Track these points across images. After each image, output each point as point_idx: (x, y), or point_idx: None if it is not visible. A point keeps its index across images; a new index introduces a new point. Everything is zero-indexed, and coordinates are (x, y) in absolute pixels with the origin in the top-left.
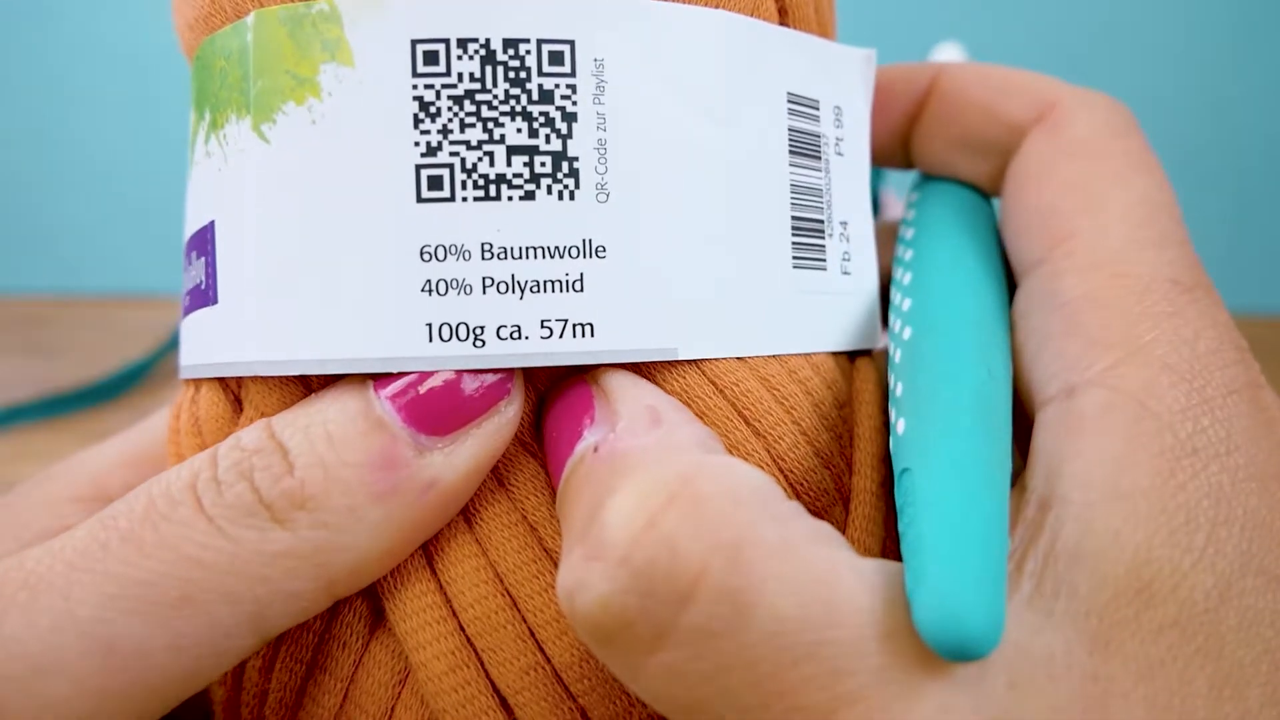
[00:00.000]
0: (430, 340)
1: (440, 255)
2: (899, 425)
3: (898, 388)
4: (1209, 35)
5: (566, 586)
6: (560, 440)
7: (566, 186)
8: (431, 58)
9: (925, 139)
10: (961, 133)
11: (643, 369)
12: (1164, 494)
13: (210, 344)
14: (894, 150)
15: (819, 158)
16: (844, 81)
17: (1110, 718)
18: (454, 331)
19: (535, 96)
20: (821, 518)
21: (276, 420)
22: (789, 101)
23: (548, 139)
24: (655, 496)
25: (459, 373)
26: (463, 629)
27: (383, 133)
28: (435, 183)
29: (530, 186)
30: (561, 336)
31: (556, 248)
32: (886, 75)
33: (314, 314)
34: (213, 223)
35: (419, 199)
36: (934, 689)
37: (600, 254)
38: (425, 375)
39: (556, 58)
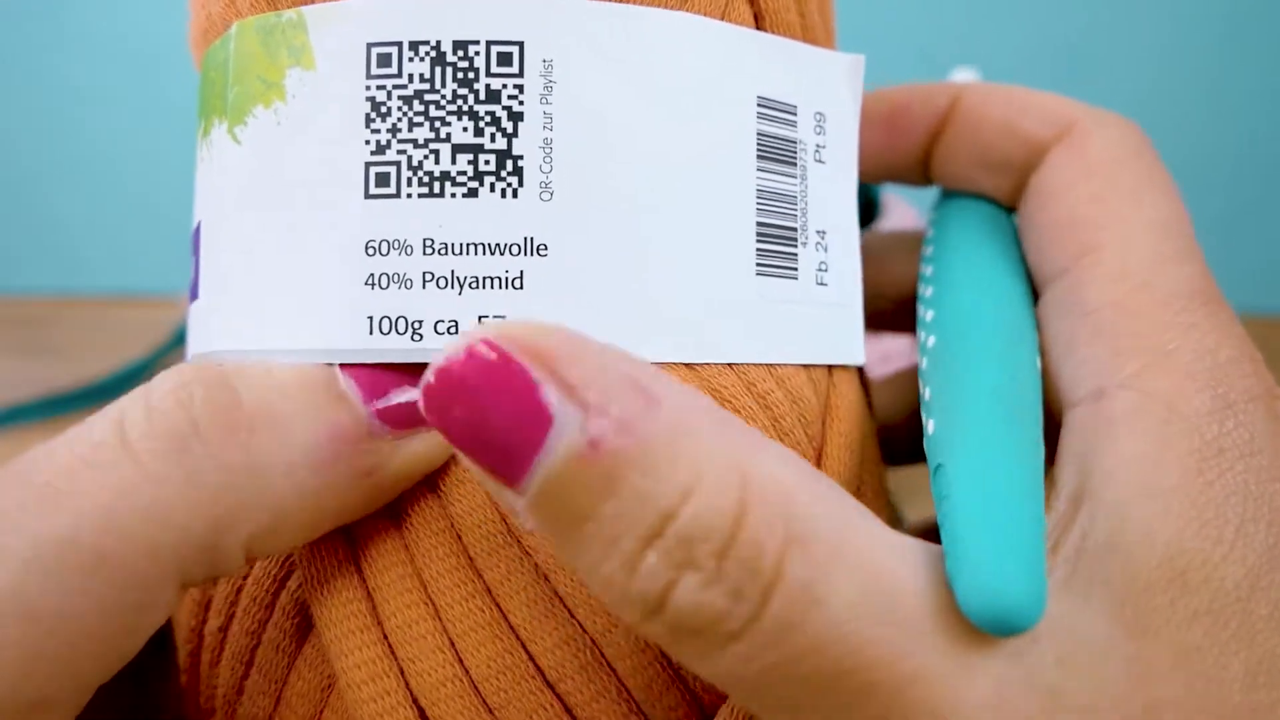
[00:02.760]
0: (370, 333)
1: (384, 250)
2: (929, 426)
3: (926, 392)
4: (1207, 39)
5: (646, 590)
6: (516, 432)
7: (510, 185)
8: (384, 60)
9: (947, 156)
10: (983, 150)
11: None
12: (1193, 490)
13: (195, 336)
14: (914, 168)
15: (793, 164)
16: (828, 87)
17: (1153, 695)
18: (393, 325)
19: (482, 96)
20: None
21: (230, 363)
22: (759, 106)
23: (492, 138)
24: (727, 496)
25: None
26: (385, 638)
27: (338, 132)
28: (383, 179)
29: (474, 184)
30: None
31: (497, 245)
32: (906, 94)
33: (269, 306)
34: (200, 223)
35: (366, 195)
36: (989, 664)
37: (541, 252)
38: (394, 382)
39: (505, 59)
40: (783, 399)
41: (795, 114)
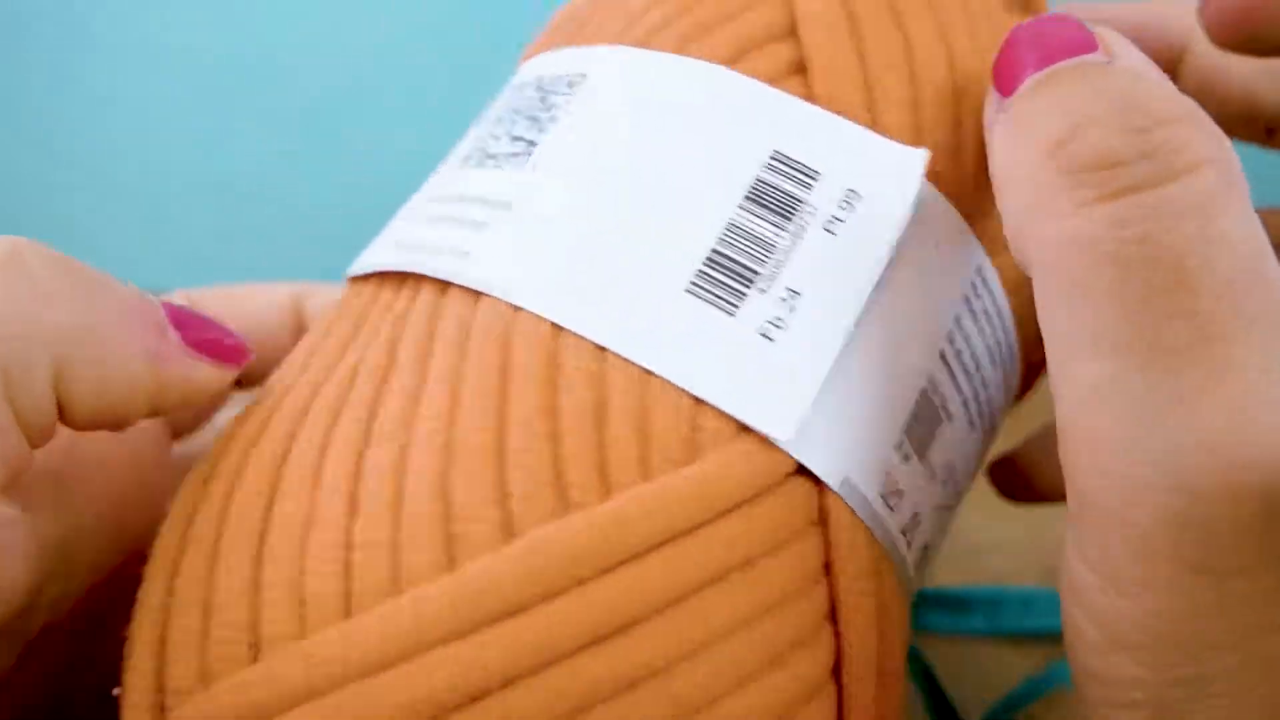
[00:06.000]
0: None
1: (434, 197)
2: None
3: None
4: None
5: (1073, 118)
6: (1054, 46)
7: (520, 162)
8: (519, 88)
9: None
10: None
11: None
12: None
13: None
14: None
15: (788, 218)
16: (870, 172)
17: None
18: (406, 244)
19: (545, 104)
20: None
21: None
22: (772, 158)
23: (532, 130)
24: (1194, 108)
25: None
26: None
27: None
28: (466, 157)
29: (503, 160)
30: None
31: (483, 198)
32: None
33: None
34: None
35: (460, 166)
36: None
37: (507, 207)
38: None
39: (572, 83)
40: (623, 408)
41: (814, 179)
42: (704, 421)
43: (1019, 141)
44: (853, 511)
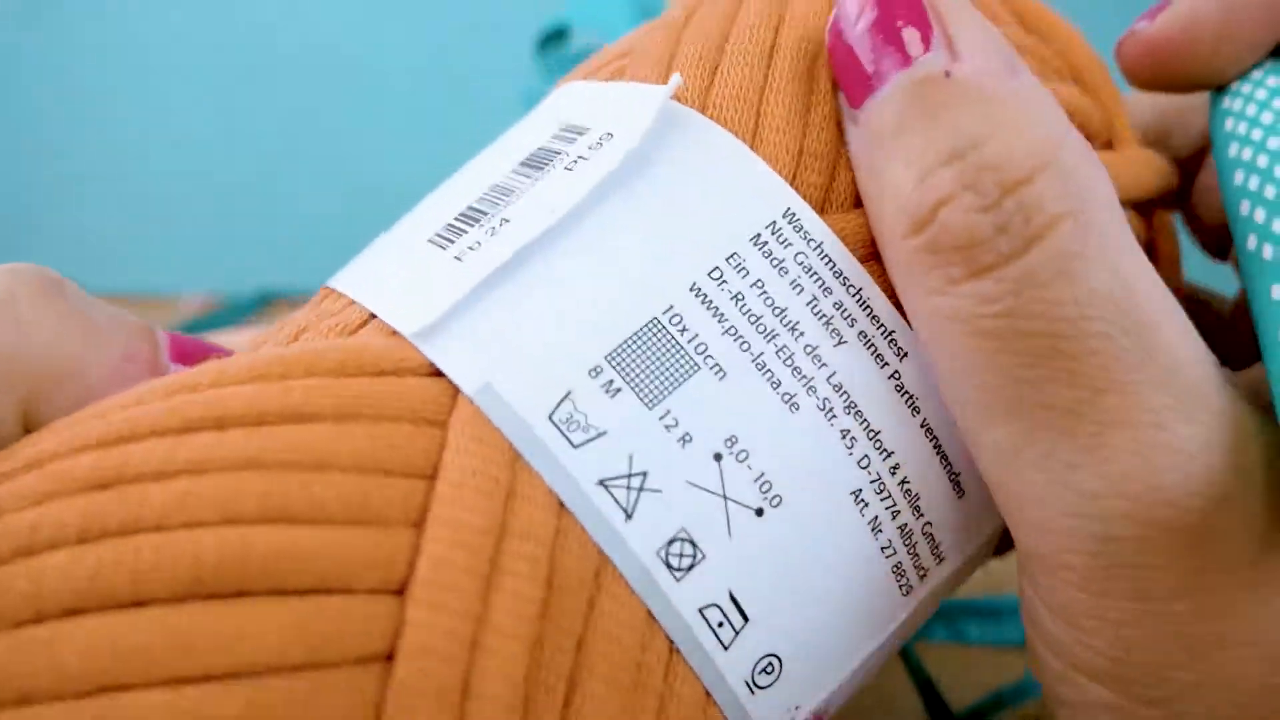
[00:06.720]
0: None
1: None
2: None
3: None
4: None
5: (929, 198)
6: (884, 49)
7: None
8: None
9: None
10: None
11: None
12: None
13: None
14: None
15: (540, 169)
16: (627, 113)
17: None
18: None
19: None
20: None
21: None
22: (559, 129)
23: None
24: (1043, 153)
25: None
26: None
27: None
28: None
29: None
30: None
31: None
32: (1160, 119)
33: None
34: None
35: None
36: (1204, 425)
37: None
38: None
39: None
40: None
41: (581, 134)
42: (363, 330)
43: (882, 201)
44: (489, 423)
